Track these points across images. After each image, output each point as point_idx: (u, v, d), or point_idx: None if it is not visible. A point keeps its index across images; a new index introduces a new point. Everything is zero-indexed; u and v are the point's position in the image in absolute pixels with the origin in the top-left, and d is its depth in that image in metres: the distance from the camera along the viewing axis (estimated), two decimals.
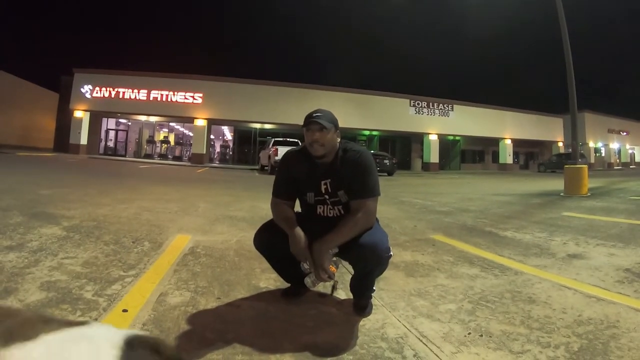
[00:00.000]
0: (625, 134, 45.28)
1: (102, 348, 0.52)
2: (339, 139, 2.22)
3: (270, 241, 2.21)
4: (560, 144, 39.08)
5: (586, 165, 10.10)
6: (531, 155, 41.90)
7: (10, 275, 2.45)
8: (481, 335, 1.93)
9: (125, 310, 2.04)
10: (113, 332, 0.57)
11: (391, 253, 2.09)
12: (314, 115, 2.14)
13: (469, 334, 1.95)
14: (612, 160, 44.60)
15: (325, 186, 2.19)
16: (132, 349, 0.55)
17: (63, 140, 27.59)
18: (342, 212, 2.20)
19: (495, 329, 2.00)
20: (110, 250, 3.21)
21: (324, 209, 2.25)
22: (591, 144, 40.51)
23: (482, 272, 3.05)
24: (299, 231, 2.04)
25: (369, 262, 2.02)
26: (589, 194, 9.42)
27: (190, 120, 28.39)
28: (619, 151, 46.56)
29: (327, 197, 2.21)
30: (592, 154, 40.44)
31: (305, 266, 1.98)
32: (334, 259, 2.01)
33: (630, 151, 48.19)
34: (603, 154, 44.33)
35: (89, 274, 2.60)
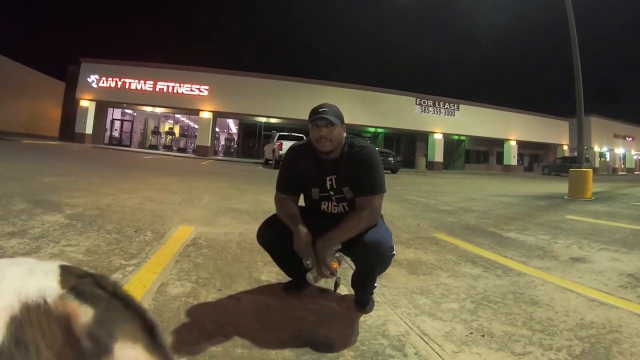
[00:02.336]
0: (631, 139, 44.99)
1: (34, 269, 0.56)
2: (345, 134, 2.18)
3: (273, 237, 2.18)
4: (566, 147, 38.86)
5: (591, 170, 10.04)
6: (536, 157, 41.73)
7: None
8: (483, 336, 1.92)
9: None
10: (48, 262, 0.61)
11: (394, 252, 2.06)
12: (321, 110, 2.08)
13: (471, 333, 1.94)
14: (617, 166, 44.37)
15: (330, 182, 2.16)
16: (70, 273, 0.59)
17: (68, 129, 27.65)
18: (347, 208, 2.18)
19: (497, 330, 1.99)
20: (113, 239, 3.21)
21: (328, 205, 2.23)
22: (596, 149, 40.28)
23: (485, 272, 3.04)
24: (302, 228, 2.01)
25: (372, 260, 2.00)
26: (593, 198, 9.37)
27: (196, 112, 28.42)
28: (624, 156, 46.31)
29: (332, 193, 2.19)
30: (597, 159, 40.22)
31: (308, 262, 1.96)
32: (337, 255, 1.99)
33: (635, 157, 47.93)
34: (608, 159, 44.09)
35: (90, 262, 2.61)
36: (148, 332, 0.61)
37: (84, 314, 0.54)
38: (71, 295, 0.55)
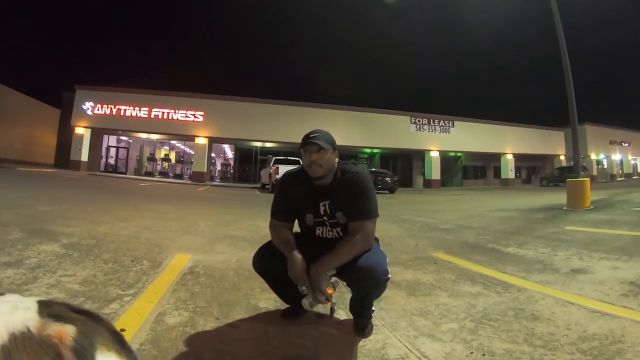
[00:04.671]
0: (627, 145, 45.15)
1: (18, 306, 0.66)
2: (337, 160, 2.21)
3: (268, 264, 2.19)
4: (562, 157, 39.03)
5: (588, 178, 10.04)
6: (533, 169, 41.79)
7: (7, 292, 2.43)
8: (484, 355, 1.89)
9: (122, 330, 2.01)
10: (27, 298, 0.71)
11: (389, 275, 2.05)
12: (312, 135, 2.13)
13: (471, 353, 1.91)
14: (615, 172, 44.46)
15: (324, 208, 2.18)
16: (45, 306, 0.69)
17: (64, 156, 27.71)
18: (341, 233, 2.19)
19: (498, 348, 1.96)
20: (109, 269, 3.18)
21: (322, 230, 2.24)
22: (593, 156, 40.44)
23: (485, 290, 3.01)
24: (297, 254, 2.01)
25: (366, 284, 1.99)
26: (592, 207, 9.36)
27: (191, 138, 28.55)
28: (621, 162, 46.43)
29: (326, 218, 2.20)
30: (595, 166, 40.35)
31: (303, 288, 1.95)
32: (332, 280, 1.99)
33: (632, 162, 48.02)
34: (605, 166, 44.19)
35: (87, 293, 2.58)
36: (117, 340, 0.74)
37: (69, 330, 0.65)
38: (50, 320, 0.66)
